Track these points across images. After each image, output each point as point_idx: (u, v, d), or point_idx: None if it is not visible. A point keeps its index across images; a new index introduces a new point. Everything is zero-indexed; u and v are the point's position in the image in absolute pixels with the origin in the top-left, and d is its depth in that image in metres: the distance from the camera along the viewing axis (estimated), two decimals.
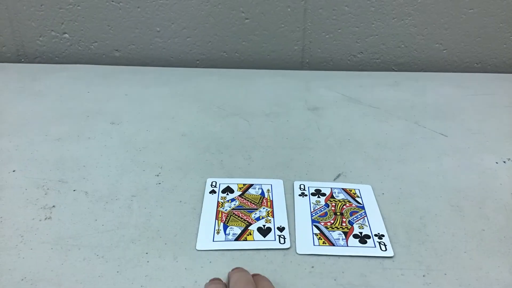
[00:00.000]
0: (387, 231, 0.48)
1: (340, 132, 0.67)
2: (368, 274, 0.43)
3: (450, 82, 0.83)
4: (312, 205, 0.52)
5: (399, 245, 0.46)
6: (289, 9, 0.86)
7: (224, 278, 0.42)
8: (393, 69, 0.92)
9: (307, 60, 0.91)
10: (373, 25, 0.87)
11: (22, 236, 0.46)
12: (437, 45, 0.89)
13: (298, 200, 0.52)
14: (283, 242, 0.46)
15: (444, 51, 0.89)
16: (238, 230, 0.48)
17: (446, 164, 0.59)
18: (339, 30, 0.88)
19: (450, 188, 0.55)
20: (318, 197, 0.53)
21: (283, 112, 0.72)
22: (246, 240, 0.47)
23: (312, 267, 0.44)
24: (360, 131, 0.67)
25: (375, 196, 0.53)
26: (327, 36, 0.88)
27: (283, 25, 0.87)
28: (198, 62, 0.91)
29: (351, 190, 0.54)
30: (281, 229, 0.48)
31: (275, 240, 0.47)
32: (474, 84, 0.82)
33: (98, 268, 0.43)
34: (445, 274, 0.43)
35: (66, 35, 0.89)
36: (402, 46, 0.89)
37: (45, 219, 0.49)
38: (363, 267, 0.44)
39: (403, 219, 0.50)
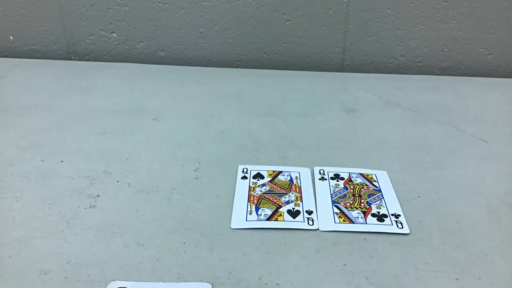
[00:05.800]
0: (420, 231, 0.48)
1: (377, 135, 0.67)
2: (401, 275, 0.43)
3: (494, 88, 0.81)
4: (331, 187, 0.55)
5: (433, 247, 0.46)
6: (330, 11, 0.86)
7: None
8: (435, 73, 0.90)
9: (347, 63, 0.91)
10: (416, 28, 0.86)
11: (68, 222, 0.49)
12: (482, 49, 0.87)
13: (319, 183, 0.55)
14: (311, 224, 0.49)
15: (490, 56, 0.87)
16: (269, 212, 0.51)
17: (485, 169, 0.58)
18: (381, 33, 0.87)
19: (488, 194, 0.54)
20: (337, 180, 0.56)
21: (320, 113, 0.72)
22: (277, 220, 0.49)
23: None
24: (398, 134, 0.67)
25: (391, 181, 0.56)
26: (368, 38, 0.88)
27: (324, 27, 0.88)
28: (238, 62, 0.93)
29: (368, 175, 0.57)
30: (309, 212, 0.50)
31: (304, 221, 0.49)
32: None
33: (138, 255, 0.45)
34: (480, 278, 0.42)
35: (114, 35, 0.93)
36: (446, 50, 0.88)
37: (90, 207, 0.52)
38: (396, 268, 0.44)
39: (439, 222, 0.50)
